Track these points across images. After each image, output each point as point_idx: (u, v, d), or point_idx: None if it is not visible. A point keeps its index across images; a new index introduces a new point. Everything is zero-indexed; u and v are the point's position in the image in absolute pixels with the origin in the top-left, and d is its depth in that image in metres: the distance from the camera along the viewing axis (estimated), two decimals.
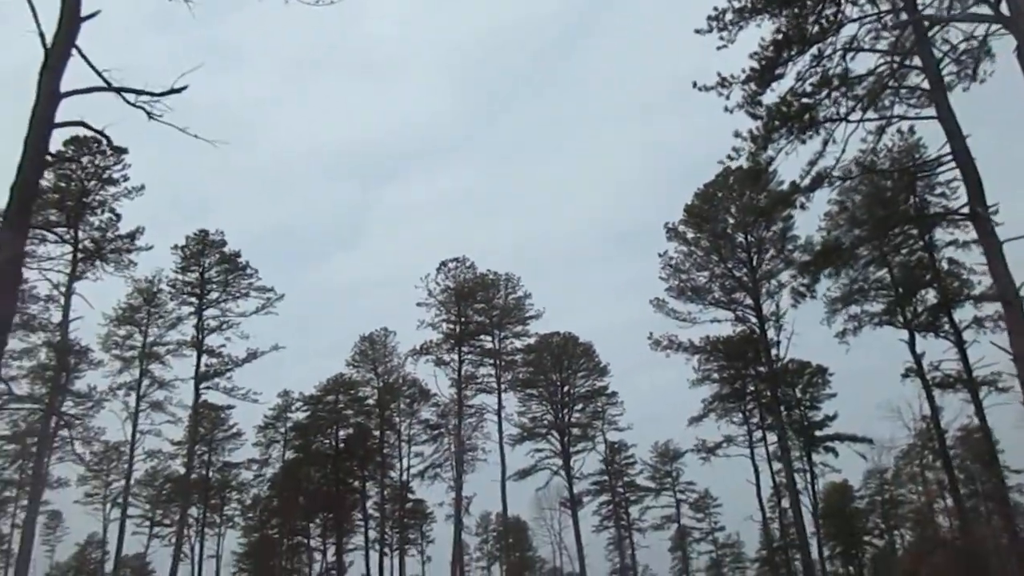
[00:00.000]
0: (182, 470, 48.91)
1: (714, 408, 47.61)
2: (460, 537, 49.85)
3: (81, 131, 31.96)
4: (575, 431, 54.11)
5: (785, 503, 49.08)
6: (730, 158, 19.36)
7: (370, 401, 56.33)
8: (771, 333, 40.87)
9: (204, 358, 45.82)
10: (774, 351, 41.01)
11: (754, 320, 41.31)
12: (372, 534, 55.50)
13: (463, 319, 50.27)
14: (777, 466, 47.91)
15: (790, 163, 19.62)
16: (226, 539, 58.57)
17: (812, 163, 18.88)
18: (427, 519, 60.59)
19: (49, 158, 12.39)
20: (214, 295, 46.82)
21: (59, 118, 12.67)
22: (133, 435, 44.69)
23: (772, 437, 47.24)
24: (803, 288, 29.15)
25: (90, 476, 53.93)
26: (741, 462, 48.45)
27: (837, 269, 29.69)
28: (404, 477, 55.65)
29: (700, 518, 67.80)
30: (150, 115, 13.65)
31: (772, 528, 55.04)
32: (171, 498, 53.48)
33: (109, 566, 50.10)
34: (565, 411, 54.07)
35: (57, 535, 68.44)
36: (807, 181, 18.91)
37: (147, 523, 54.86)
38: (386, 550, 56.07)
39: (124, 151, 38.23)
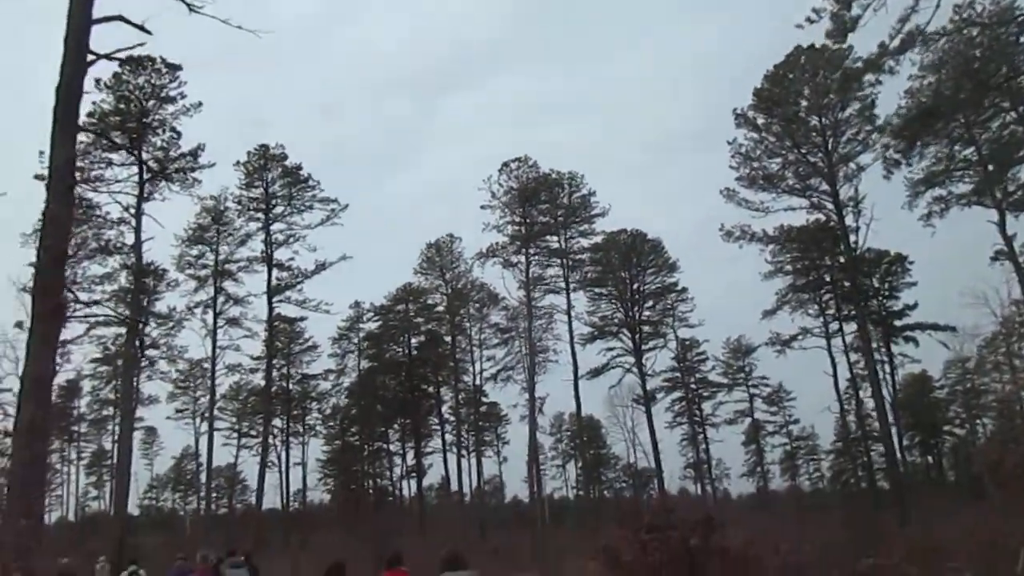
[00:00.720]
0: (263, 383, 50.46)
1: (788, 300, 46.41)
2: (535, 438, 50.51)
3: (134, 51, 31.88)
4: (646, 328, 53.44)
5: (863, 394, 48.14)
6: (810, 20, 17.77)
7: (439, 308, 56.72)
8: (849, 220, 39.10)
9: (275, 272, 46.63)
10: (852, 238, 39.31)
11: (830, 207, 39.53)
12: (449, 438, 56.94)
13: (528, 220, 49.44)
14: (854, 357, 46.80)
15: (867, 35, 17.80)
16: (310, 447, 60.81)
17: (903, 20, 17.22)
18: (501, 421, 61.67)
19: (91, 57, 11.90)
20: (279, 209, 47.14)
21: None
22: (213, 351, 46.12)
23: (848, 328, 46.00)
24: (898, 155, 27.19)
25: (178, 393, 56.24)
26: (814, 356, 47.37)
27: (933, 137, 27.66)
28: (477, 381, 56.37)
29: (774, 412, 67.27)
30: (191, 7, 13.09)
31: (848, 420, 54.31)
32: (255, 410, 55.52)
33: (204, 476, 52.74)
34: (635, 309, 53.27)
35: (154, 449, 72.38)
36: (896, 42, 17.32)
37: (235, 435, 57.46)
38: (463, 452, 57.59)
39: (178, 67, 38.01)
